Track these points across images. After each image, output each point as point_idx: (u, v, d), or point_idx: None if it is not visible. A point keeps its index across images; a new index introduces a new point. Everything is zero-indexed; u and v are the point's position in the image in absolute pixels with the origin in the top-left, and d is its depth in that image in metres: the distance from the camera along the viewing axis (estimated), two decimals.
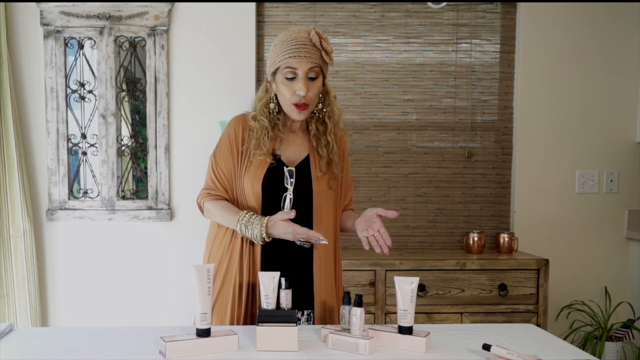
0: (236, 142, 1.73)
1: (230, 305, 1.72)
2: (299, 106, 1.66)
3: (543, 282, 2.80)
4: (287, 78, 1.65)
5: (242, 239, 1.71)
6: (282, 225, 1.61)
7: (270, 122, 1.70)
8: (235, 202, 1.74)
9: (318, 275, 1.74)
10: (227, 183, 1.74)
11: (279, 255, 1.71)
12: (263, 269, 1.68)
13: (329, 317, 1.77)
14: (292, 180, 1.66)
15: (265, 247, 1.70)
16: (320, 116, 1.75)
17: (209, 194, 1.76)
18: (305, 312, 1.75)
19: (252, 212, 1.67)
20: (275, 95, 1.72)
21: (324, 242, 1.62)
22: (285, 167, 1.68)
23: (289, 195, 1.67)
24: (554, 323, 3.13)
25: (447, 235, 3.18)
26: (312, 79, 1.66)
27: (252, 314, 1.73)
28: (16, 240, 2.87)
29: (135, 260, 3.04)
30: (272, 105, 1.72)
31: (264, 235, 1.63)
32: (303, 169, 1.73)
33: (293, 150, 1.75)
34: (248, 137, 1.72)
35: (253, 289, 1.72)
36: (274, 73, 1.69)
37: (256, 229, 1.63)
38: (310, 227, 1.70)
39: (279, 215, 1.62)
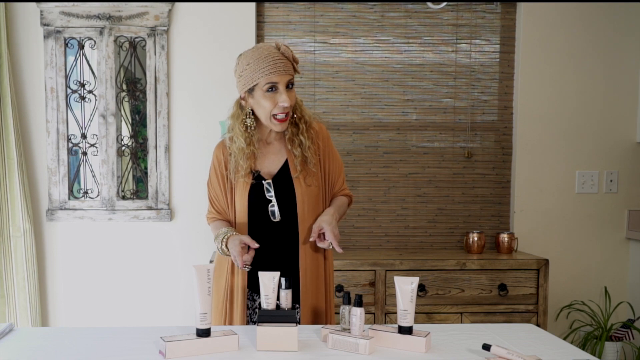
0: (220, 169, 1.86)
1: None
2: (280, 118, 1.74)
3: (543, 282, 2.80)
4: (267, 91, 1.73)
5: None
6: (234, 245, 1.70)
7: (246, 140, 1.79)
8: (233, 220, 1.85)
9: (304, 274, 1.79)
10: (221, 206, 1.87)
11: (263, 257, 1.77)
12: (250, 277, 1.80)
13: (318, 317, 1.82)
14: (271, 192, 1.78)
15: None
16: (293, 120, 1.83)
17: (208, 217, 1.92)
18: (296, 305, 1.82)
19: (227, 229, 1.77)
20: (252, 110, 1.79)
21: (247, 269, 1.70)
22: (264, 181, 1.79)
23: (275, 206, 1.78)
24: (554, 323, 3.13)
25: (447, 235, 3.18)
26: (289, 88, 1.76)
27: (231, 317, 1.81)
28: (16, 240, 2.87)
29: (135, 260, 3.04)
30: (249, 121, 1.80)
31: (223, 247, 1.74)
32: (283, 175, 1.81)
33: (270, 161, 1.84)
34: (229, 162, 1.84)
35: (231, 294, 1.81)
36: (251, 89, 1.75)
37: (218, 241, 1.76)
38: (296, 228, 1.79)
39: (244, 237, 1.71)
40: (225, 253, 1.75)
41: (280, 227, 1.78)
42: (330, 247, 1.75)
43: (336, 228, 1.76)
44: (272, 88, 1.72)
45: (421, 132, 3.15)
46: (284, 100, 1.72)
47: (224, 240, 1.74)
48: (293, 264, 1.79)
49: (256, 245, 1.70)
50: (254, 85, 1.73)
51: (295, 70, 1.78)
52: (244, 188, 1.80)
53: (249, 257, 1.69)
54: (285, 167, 1.82)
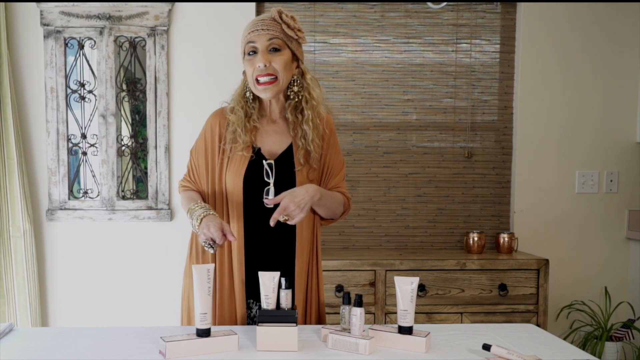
0: (212, 139, 1.72)
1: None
2: (261, 80, 1.62)
3: (543, 282, 2.80)
4: (249, 54, 1.65)
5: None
6: (216, 223, 1.54)
7: (246, 112, 1.69)
8: (213, 196, 1.71)
9: (299, 271, 1.70)
10: (197, 177, 1.75)
11: (259, 254, 1.69)
12: (247, 268, 1.68)
13: (315, 316, 1.76)
14: (272, 174, 1.65)
15: (247, 246, 1.68)
16: (297, 99, 1.70)
17: (181, 186, 1.79)
18: None
19: (204, 205, 1.61)
20: None
21: (233, 239, 1.55)
22: (264, 161, 1.66)
23: (271, 189, 1.64)
24: (554, 323, 3.13)
25: (447, 235, 3.18)
26: (275, 50, 1.64)
27: (231, 316, 1.69)
28: (16, 240, 2.87)
29: (135, 260, 3.04)
30: (247, 94, 1.72)
31: (196, 224, 1.57)
32: (285, 160, 1.69)
33: (273, 141, 1.71)
34: (225, 133, 1.70)
35: (232, 290, 1.69)
36: (243, 58, 1.69)
37: (194, 216, 1.59)
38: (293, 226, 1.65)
39: (225, 225, 1.55)
40: (195, 228, 1.58)
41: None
42: (285, 219, 1.55)
43: (298, 200, 1.54)
44: (253, 51, 1.63)
45: (421, 132, 3.15)
46: (258, 60, 1.61)
47: (199, 218, 1.57)
48: (289, 263, 1.70)
49: (233, 239, 1.54)
50: (243, 53, 1.67)
51: (288, 36, 1.65)
52: (240, 163, 1.66)
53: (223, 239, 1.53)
54: (288, 152, 1.69)
